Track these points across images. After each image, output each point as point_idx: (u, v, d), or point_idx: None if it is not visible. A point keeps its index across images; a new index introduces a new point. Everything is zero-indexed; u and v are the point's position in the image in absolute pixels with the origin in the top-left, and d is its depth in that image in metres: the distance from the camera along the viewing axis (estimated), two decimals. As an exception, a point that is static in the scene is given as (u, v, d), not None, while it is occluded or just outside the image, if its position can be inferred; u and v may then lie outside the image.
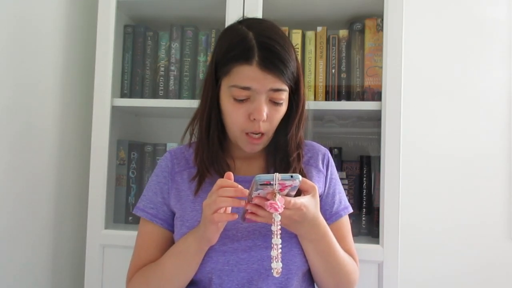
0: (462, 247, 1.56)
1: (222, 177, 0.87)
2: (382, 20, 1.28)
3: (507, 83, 1.58)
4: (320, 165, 1.01)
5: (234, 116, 0.89)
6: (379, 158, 1.27)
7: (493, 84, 1.58)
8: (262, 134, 0.91)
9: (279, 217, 0.73)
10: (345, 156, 1.45)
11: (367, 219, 1.36)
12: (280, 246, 0.73)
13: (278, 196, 0.73)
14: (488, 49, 1.59)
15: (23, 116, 1.23)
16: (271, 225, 0.74)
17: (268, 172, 0.96)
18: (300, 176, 0.73)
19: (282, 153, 0.96)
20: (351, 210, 1.02)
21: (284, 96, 0.90)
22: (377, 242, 1.24)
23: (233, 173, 0.90)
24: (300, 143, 0.97)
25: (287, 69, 0.87)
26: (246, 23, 0.93)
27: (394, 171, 1.23)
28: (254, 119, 0.87)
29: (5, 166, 1.16)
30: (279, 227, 0.73)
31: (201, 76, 1.42)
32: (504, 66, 1.58)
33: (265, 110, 0.87)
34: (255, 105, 0.87)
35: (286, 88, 0.89)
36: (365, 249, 1.21)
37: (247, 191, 0.76)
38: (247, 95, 0.87)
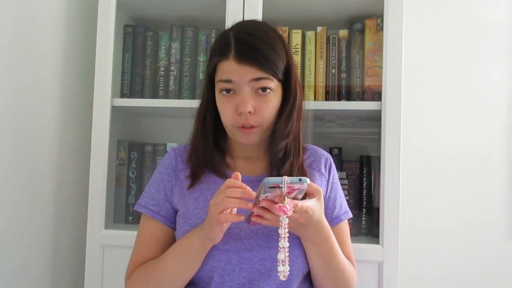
0: (462, 247, 1.56)
1: (219, 177, 0.90)
2: (382, 20, 1.28)
3: (507, 83, 1.58)
4: (323, 169, 1.03)
5: (223, 110, 0.92)
6: (379, 158, 1.27)
7: (493, 84, 1.58)
8: (252, 126, 0.91)
9: (287, 220, 0.73)
10: (345, 156, 1.45)
11: (367, 219, 1.36)
12: (288, 249, 0.73)
13: (287, 200, 0.73)
14: (488, 49, 1.59)
15: (23, 116, 1.23)
16: (277, 227, 0.74)
17: (271, 174, 0.96)
18: (308, 180, 0.73)
19: (274, 146, 0.96)
20: (351, 215, 1.04)
21: (271, 85, 0.90)
22: (377, 242, 1.24)
23: (227, 173, 0.93)
24: (288, 134, 0.94)
25: (264, 59, 0.88)
26: (232, 25, 0.97)
27: (394, 171, 1.23)
28: (241, 112, 0.89)
29: (5, 166, 1.16)
30: (286, 230, 0.73)
31: (201, 76, 1.42)
32: (504, 66, 1.58)
33: (250, 102, 0.88)
34: (239, 97, 0.89)
35: (269, 76, 0.89)
36: (365, 249, 1.21)
37: (254, 193, 0.77)
38: (231, 87, 0.90)
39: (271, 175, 0.95)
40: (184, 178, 0.98)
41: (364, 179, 1.37)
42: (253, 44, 0.89)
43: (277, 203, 0.73)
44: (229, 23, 1.27)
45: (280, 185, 0.71)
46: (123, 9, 1.43)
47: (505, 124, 1.57)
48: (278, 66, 0.91)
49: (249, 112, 0.89)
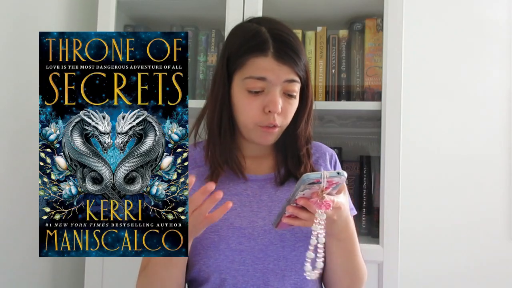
0: (462, 247, 1.56)
1: (237, 174, 0.91)
2: (382, 20, 1.28)
3: (507, 83, 1.58)
4: (328, 165, 1.02)
5: (248, 109, 0.88)
6: (379, 158, 1.27)
7: (493, 84, 1.58)
8: (276, 126, 0.89)
9: (325, 215, 0.71)
10: (345, 156, 1.45)
11: (367, 219, 1.36)
12: (323, 248, 0.72)
13: (327, 194, 0.71)
14: (488, 49, 1.59)
15: (22, 115, 1.23)
16: (310, 227, 0.72)
17: (278, 173, 0.95)
18: (345, 173, 0.71)
19: (291, 149, 0.95)
20: (355, 211, 1.02)
21: (297, 89, 0.89)
22: (377, 242, 1.24)
23: (244, 171, 0.92)
24: (309, 138, 0.97)
25: (300, 61, 0.88)
26: (255, 20, 0.95)
27: (394, 171, 1.23)
28: (269, 111, 0.86)
29: (5, 165, 1.16)
30: (323, 226, 0.71)
31: (201, 76, 1.42)
32: (504, 66, 1.58)
33: (280, 102, 0.86)
34: (269, 97, 0.86)
35: (299, 80, 0.89)
36: (365, 249, 1.20)
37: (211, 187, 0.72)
38: (262, 86, 0.86)
39: (279, 174, 0.94)
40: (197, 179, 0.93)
41: (364, 179, 1.37)
42: (292, 44, 0.87)
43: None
44: (229, 23, 1.28)
45: (320, 180, 0.69)
46: (123, 9, 1.43)
47: (505, 124, 1.57)
48: (305, 69, 0.91)
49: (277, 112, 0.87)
